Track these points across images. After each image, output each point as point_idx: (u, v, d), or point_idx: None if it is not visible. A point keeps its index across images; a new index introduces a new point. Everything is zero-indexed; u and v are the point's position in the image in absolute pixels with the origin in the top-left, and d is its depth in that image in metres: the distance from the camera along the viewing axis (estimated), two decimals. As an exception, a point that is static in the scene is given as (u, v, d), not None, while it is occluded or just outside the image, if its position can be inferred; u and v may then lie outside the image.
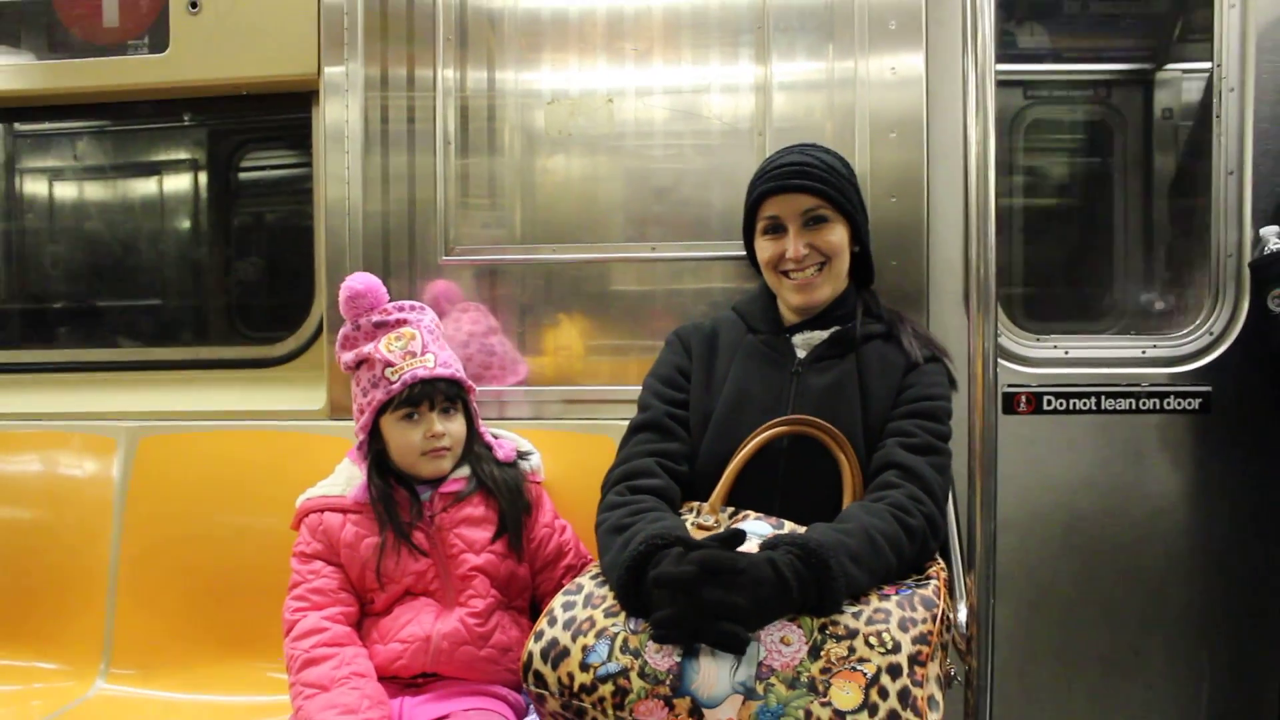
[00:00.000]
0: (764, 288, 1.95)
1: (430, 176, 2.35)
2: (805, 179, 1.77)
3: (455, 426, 1.99)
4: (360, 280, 1.99)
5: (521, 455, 2.12)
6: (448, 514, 1.94)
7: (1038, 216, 2.91)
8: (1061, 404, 2.34)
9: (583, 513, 1.89)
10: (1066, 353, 2.40)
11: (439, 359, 1.97)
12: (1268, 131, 2.25)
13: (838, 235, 1.81)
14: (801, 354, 1.84)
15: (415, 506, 1.94)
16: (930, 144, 2.25)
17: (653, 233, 2.35)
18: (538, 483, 2.11)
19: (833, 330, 1.84)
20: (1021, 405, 2.33)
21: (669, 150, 2.32)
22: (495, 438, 2.11)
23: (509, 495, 1.99)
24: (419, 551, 1.91)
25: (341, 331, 2.00)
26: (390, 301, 2.03)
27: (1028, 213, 2.90)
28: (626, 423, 1.90)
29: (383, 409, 1.92)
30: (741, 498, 1.70)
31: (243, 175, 2.86)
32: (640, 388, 1.94)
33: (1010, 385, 2.34)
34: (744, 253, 1.99)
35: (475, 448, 2.04)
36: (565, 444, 2.23)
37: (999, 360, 2.12)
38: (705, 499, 1.69)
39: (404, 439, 1.94)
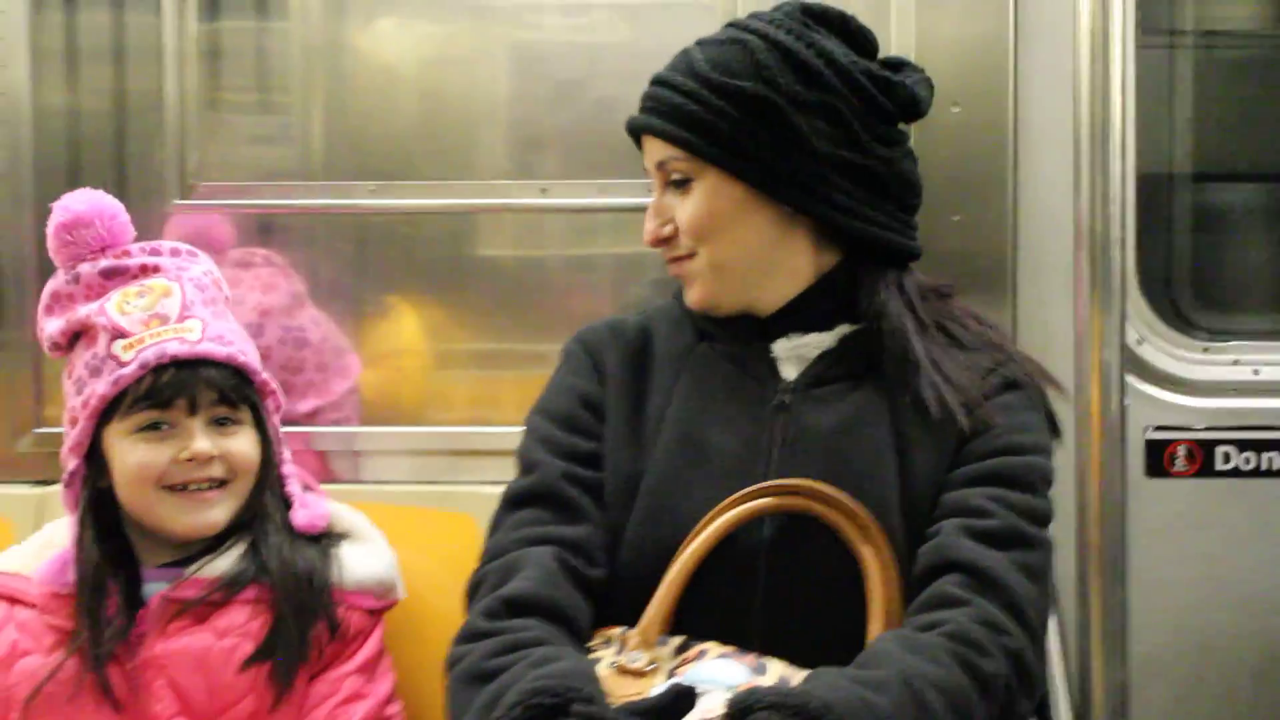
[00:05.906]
0: None
1: (154, 53, 2.23)
2: (658, 111, 1.72)
3: (238, 448, 1.78)
4: (82, 200, 1.85)
5: (327, 539, 1.87)
6: (168, 636, 1.71)
7: (1217, 118, 2.54)
8: (1250, 461, 2.20)
9: (424, 673, 1.73)
10: (1257, 372, 2.25)
11: (208, 329, 1.78)
12: None
13: (701, 201, 1.75)
14: (790, 373, 1.75)
15: (125, 609, 1.70)
16: (1022, 5, 2.11)
17: (546, 163, 2.22)
18: (375, 610, 1.86)
19: (847, 332, 1.77)
20: (1179, 462, 2.22)
21: (575, 20, 2.23)
22: (303, 490, 1.88)
23: (293, 604, 1.73)
24: (111, 702, 1.66)
25: (50, 285, 1.87)
26: (137, 242, 1.88)
27: (1197, 117, 2.52)
28: (499, 491, 1.73)
29: (107, 412, 1.73)
30: (697, 620, 1.61)
31: None
32: (522, 430, 1.79)
33: (1159, 429, 2.21)
34: None
35: (266, 499, 1.81)
36: (392, 530, 1.99)
37: (1139, 385, 2.06)
38: (633, 622, 1.62)
39: (138, 463, 1.73)
